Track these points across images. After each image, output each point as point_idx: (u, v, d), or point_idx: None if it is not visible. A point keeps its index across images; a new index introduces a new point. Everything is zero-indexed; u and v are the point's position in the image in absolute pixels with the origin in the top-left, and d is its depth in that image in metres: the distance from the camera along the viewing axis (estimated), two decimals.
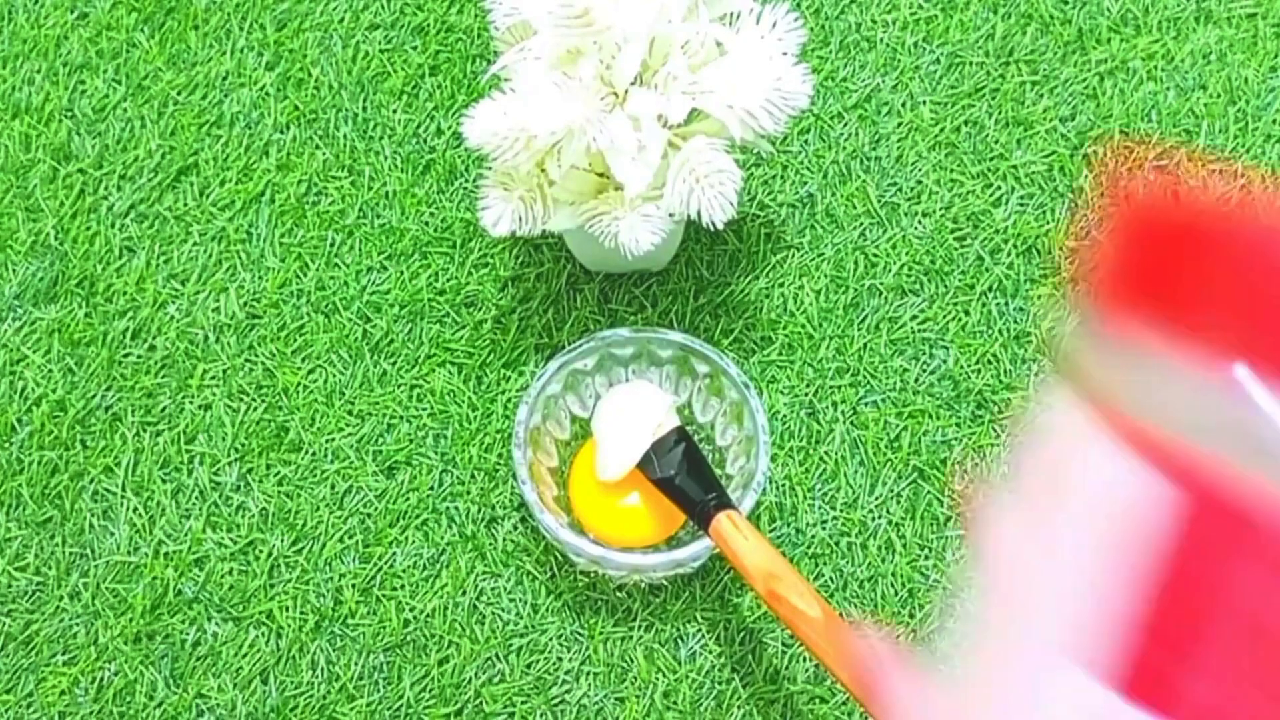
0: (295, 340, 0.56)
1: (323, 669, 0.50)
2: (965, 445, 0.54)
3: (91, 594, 0.51)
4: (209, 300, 0.57)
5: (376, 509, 0.53)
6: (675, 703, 0.49)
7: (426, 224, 0.59)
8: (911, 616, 0.51)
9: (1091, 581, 0.18)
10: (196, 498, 0.53)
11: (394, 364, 0.56)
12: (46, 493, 0.53)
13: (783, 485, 0.53)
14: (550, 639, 0.50)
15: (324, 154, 0.61)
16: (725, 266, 0.58)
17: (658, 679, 0.50)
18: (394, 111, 0.62)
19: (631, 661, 0.50)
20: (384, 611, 0.51)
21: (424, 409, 0.55)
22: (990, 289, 0.57)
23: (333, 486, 0.53)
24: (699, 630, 0.50)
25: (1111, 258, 0.18)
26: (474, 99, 0.62)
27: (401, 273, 0.58)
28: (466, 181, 0.60)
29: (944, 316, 0.56)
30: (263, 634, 0.50)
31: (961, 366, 0.55)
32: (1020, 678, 0.19)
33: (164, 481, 0.53)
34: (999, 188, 0.59)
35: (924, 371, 0.55)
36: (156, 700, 0.49)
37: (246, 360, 0.56)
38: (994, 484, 0.21)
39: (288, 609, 0.51)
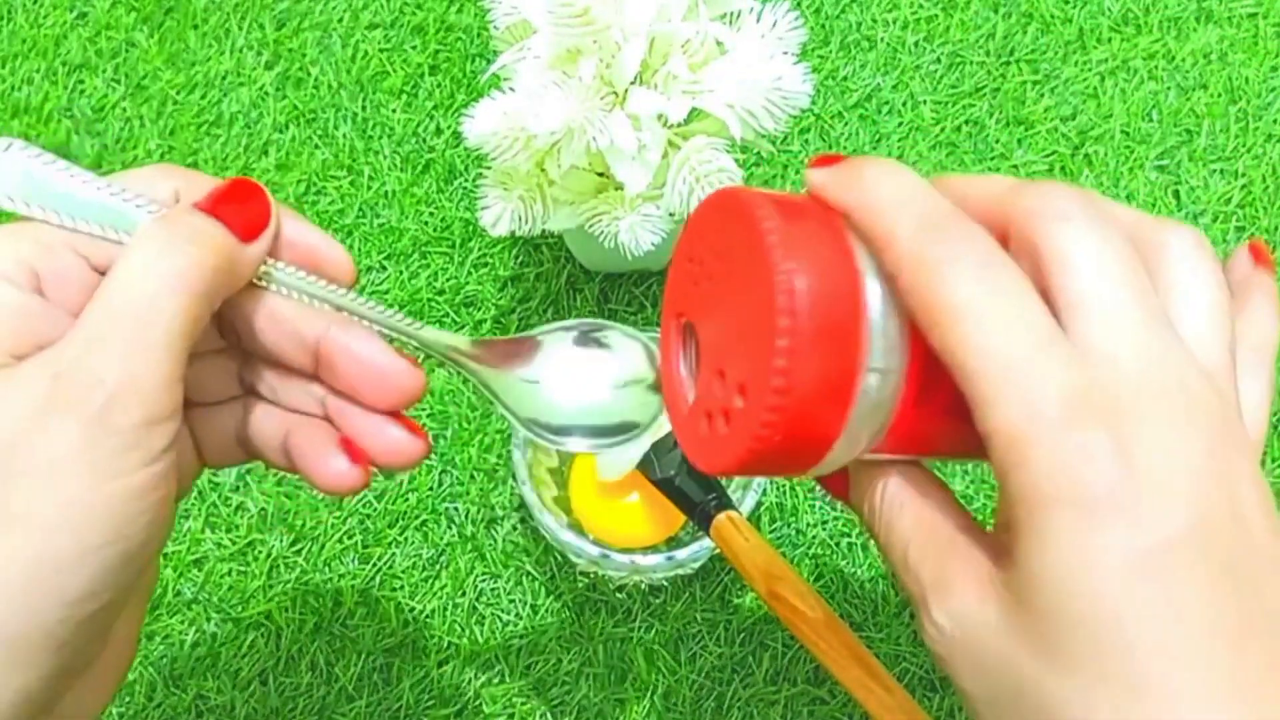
0: None
1: (322, 670, 0.50)
2: None
3: None
4: None
5: (375, 510, 0.53)
6: (675, 704, 0.49)
7: (426, 223, 0.59)
8: (912, 617, 0.51)
9: None
10: (195, 498, 0.53)
11: None
12: None
13: (783, 485, 0.53)
14: (550, 640, 0.50)
15: (323, 153, 0.61)
16: None
17: (658, 680, 0.49)
18: (393, 111, 0.62)
19: (631, 662, 0.50)
20: (383, 612, 0.51)
21: (423, 409, 0.55)
22: None
23: None
24: (699, 631, 0.50)
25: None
26: (473, 98, 0.62)
27: (401, 272, 0.58)
28: (466, 181, 0.60)
29: None
30: (262, 635, 0.50)
31: None
32: None
33: None
34: None
35: None
36: (155, 701, 0.49)
37: None
38: None
39: (287, 610, 0.51)
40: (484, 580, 0.52)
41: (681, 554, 0.47)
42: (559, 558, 0.52)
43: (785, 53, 0.46)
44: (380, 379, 0.29)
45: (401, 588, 0.51)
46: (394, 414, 0.29)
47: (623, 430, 0.32)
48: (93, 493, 0.24)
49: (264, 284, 0.29)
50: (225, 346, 0.30)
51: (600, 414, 0.32)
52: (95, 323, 0.25)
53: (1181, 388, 0.22)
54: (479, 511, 0.53)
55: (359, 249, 0.58)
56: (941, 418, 0.23)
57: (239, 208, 0.28)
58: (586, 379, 0.32)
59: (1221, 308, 0.24)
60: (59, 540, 0.23)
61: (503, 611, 0.51)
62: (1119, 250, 0.23)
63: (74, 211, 0.27)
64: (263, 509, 0.53)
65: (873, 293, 0.24)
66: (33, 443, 0.23)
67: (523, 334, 0.32)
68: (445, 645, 0.50)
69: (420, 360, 0.30)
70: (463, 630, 0.50)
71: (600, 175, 0.47)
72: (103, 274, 0.27)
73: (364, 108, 0.62)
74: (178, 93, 0.63)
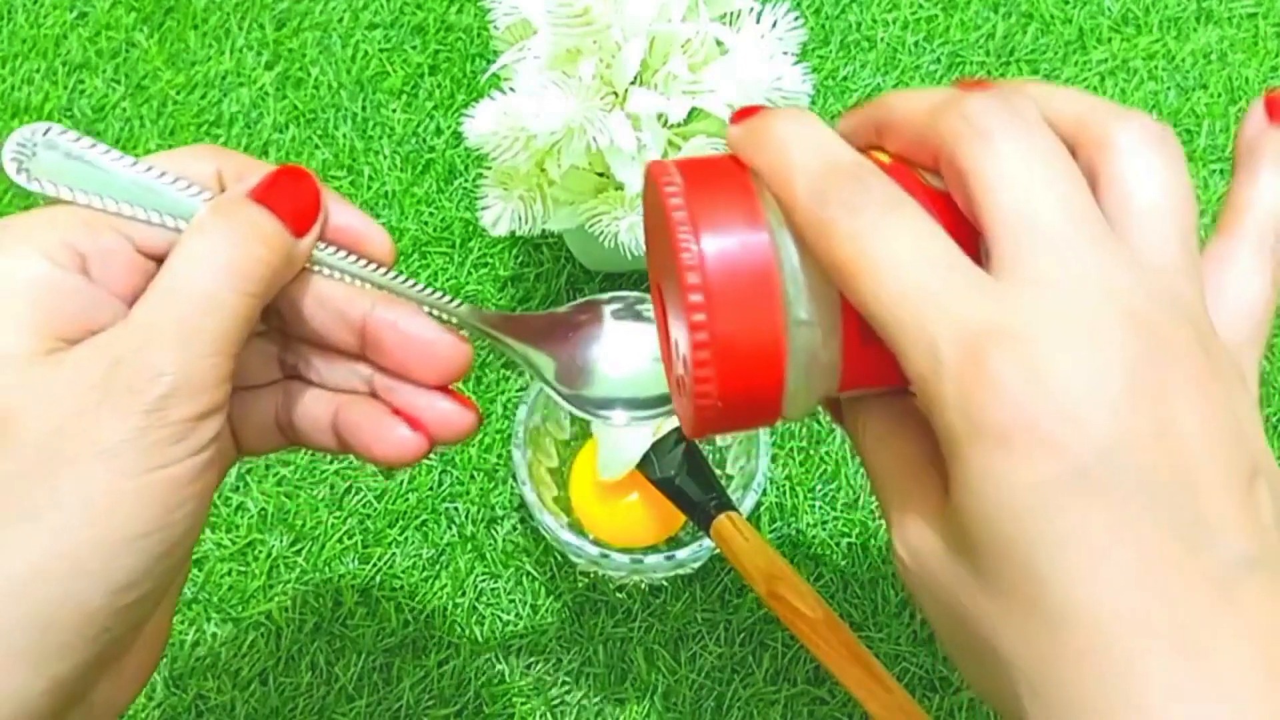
0: None
1: (322, 670, 0.50)
2: None
3: None
4: None
5: (376, 510, 0.53)
6: (675, 704, 0.49)
7: (426, 223, 0.59)
8: (912, 618, 0.51)
9: None
10: None
11: None
12: None
13: (783, 486, 0.53)
14: (550, 640, 0.50)
15: (323, 154, 0.61)
16: None
17: (658, 680, 0.49)
18: (393, 111, 0.62)
19: (631, 662, 0.50)
20: (383, 612, 0.51)
21: None
22: None
23: (332, 487, 0.53)
24: (699, 631, 0.50)
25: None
26: (473, 98, 0.62)
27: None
28: (466, 181, 0.60)
29: None
30: (262, 635, 0.50)
31: None
32: None
33: None
34: None
35: None
36: (156, 701, 0.49)
37: None
38: None
39: (287, 610, 0.51)
40: (484, 580, 0.52)
41: (681, 554, 0.47)
42: (559, 558, 0.52)
43: (785, 53, 0.46)
44: (429, 353, 0.29)
45: (401, 588, 0.51)
46: (442, 388, 0.30)
47: (664, 401, 0.32)
48: (139, 481, 0.24)
49: (310, 267, 0.29)
50: (266, 330, 0.30)
51: (642, 386, 0.32)
52: (154, 316, 0.25)
53: (1108, 299, 0.21)
54: (479, 511, 0.53)
55: None
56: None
57: (291, 197, 0.28)
58: (628, 352, 0.32)
59: (1175, 200, 0.23)
60: (104, 527, 0.24)
61: (503, 611, 0.51)
62: (1044, 161, 0.22)
63: (116, 195, 0.27)
64: (263, 509, 0.52)
65: (787, 248, 0.24)
66: (83, 429, 0.24)
67: (563, 307, 0.32)
68: (445, 645, 0.50)
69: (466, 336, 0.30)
70: (463, 630, 0.50)
71: (600, 175, 0.47)
72: (146, 255, 0.27)
73: (364, 108, 0.62)
74: (178, 93, 0.63)
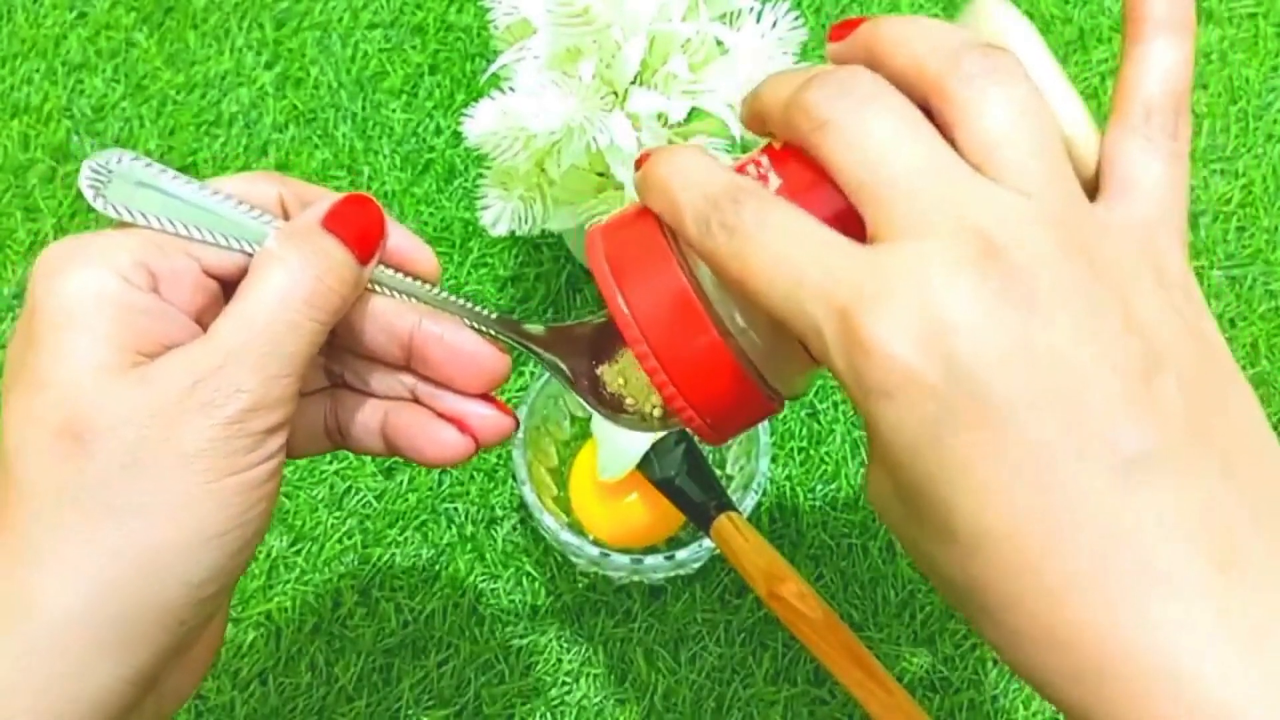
0: None
1: (321, 670, 0.50)
2: None
3: None
4: None
5: (375, 510, 0.53)
6: (675, 704, 0.49)
7: (425, 223, 0.59)
8: (912, 618, 0.50)
9: None
10: None
11: None
12: None
13: (783, 486, 0.53)
14: (550, 640, 0.50)
15: (323, 153, 0.61)
16: None
17: (658, 680, 0.49)
18: (393, 111, 0.62)
19: (631, 663, 0.50)
20: (383, 613, 0.51)
21: None
22: None
23: (331, 487, 0.53)
24: (699, 632, 0.50)
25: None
26: (473, 98, 0.62)
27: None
28: (466, 181, 0.60)
29: None
30: (261, 635, 0.50)
31: None
32: None
33: None
34: None
35: None
36: None
37: None
38: None
39: (286, 610, 0.51)
40: (484, 580, 0.52)
41: (682, 554, 0.47)
42: (559, 558, 0.52)
43: (785, 53, 0.46)
44: (473, 364, 0.31)
45: (401, 588, 0.51)
46: (482, 395, 0.32)
47: None
48: (216, 485, 0.26)
49: (367, 285, 0.30)
50: None
51: None
52: (236, 338, 0.26)
53: (963, 238, 0.22)
54: (479, 512, 0.53)
55: None
56: None
57: (357, 225, 0.29)
58: None
59: (1019, 123, 0.23)
60: (185, 527, 0.26)
61: (502, 612, 0.51)
62: (881, 134, 0.23)
63: (187, 219, 0.28)
64: None
65: (704, 271, 0.26)
66: (165, 438, 0.25)
67: (598, 316, 0.32)
68: (445, 645, 0.50)
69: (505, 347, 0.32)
70: (463, 630, 0.50)
71: (600, 175, 0.47)
72: (211, 275, 0.29)
73: (364, 107, 0.62)
74: (177, 93, 0.62)
